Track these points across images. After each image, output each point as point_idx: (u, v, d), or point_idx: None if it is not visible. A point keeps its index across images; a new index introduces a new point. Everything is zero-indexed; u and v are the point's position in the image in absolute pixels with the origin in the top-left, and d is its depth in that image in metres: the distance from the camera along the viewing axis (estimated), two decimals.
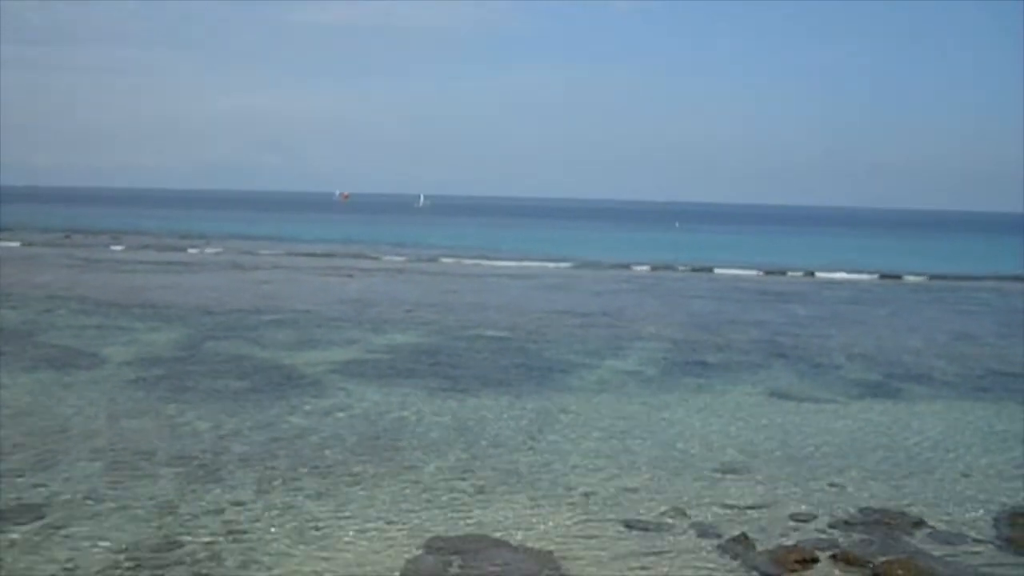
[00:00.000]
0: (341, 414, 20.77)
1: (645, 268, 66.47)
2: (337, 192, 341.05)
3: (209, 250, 73.19)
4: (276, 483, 15.72)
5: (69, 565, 12.15)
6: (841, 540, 13.81)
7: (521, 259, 71.44)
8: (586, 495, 15.62)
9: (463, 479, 16.31)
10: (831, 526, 14.48)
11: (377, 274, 57.81)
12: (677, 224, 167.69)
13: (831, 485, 16.55)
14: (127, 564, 12.23)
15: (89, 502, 14.48)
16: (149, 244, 78.54)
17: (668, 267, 67.84)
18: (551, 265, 67.44)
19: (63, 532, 13.26)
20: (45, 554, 12.46)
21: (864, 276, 63.83)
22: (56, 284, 45.24)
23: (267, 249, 75.74)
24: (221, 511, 14.27)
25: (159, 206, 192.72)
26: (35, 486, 15.12)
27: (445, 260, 70.28)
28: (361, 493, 15.36)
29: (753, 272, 65.31)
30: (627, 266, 67.60)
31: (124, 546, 12.76)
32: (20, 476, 15.62)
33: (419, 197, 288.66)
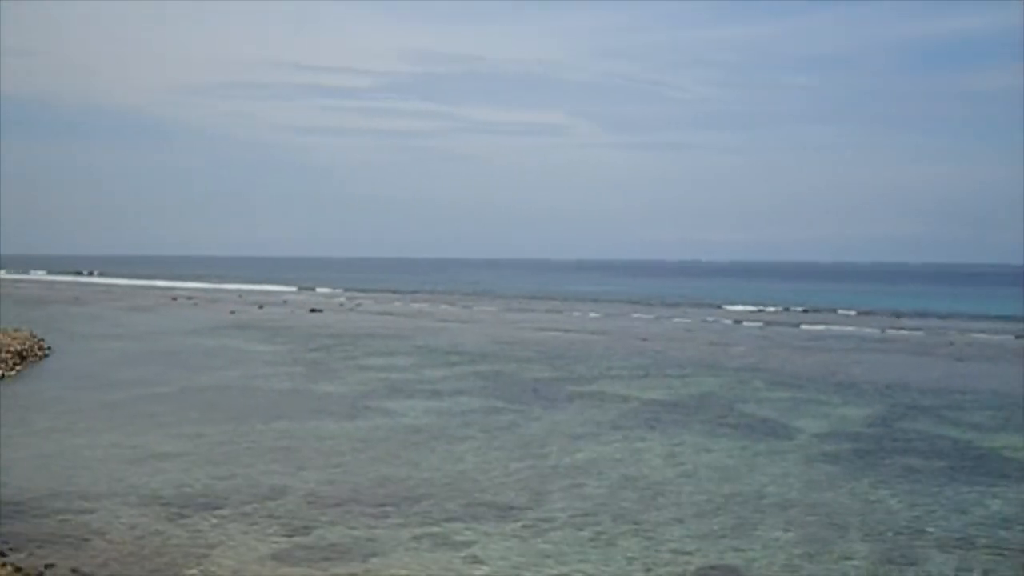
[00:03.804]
0: None
1: None
2: None
3: (904, 327, 71.88)
4: (974, 574, 14.75)
5: None
6: None
7: None
8: None
9: None
10: None
11: None
12: None
13: None
14: None
15: (786, 572, 14.71)
16: (847, 320, 79.16)
17: None
18: None
19: None
20: None
21: None
22: (750, 357, 47.33)
23: (965, 325, 72.44)
24: None
25: (836, 280, 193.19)
26: (735, 549, 15.75)
27: None
28: None
29: None
30: None
31: None
32: (723, 537, 16.40)
33: None
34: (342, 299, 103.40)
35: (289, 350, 47.58)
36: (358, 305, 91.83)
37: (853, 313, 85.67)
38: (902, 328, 69.24)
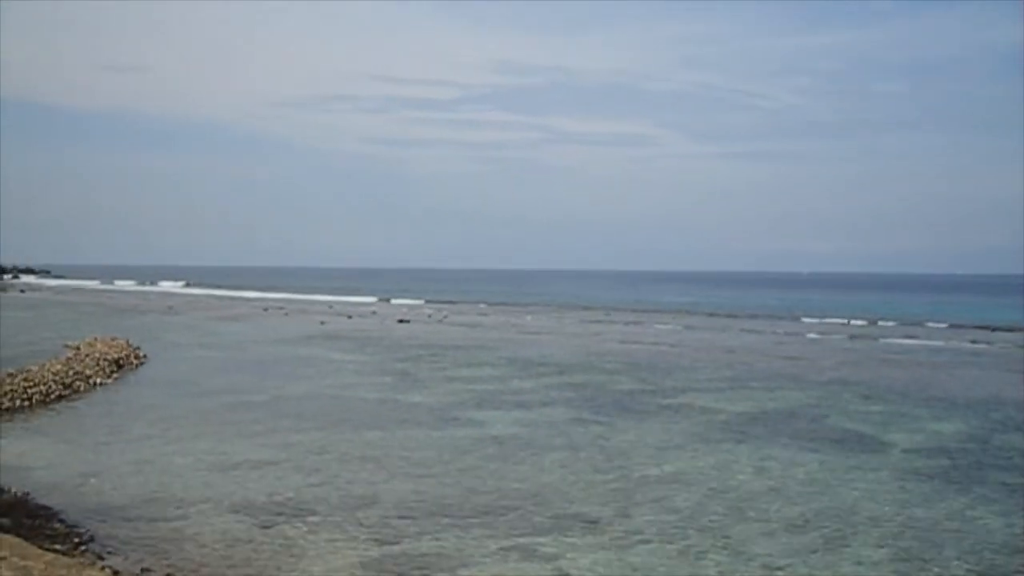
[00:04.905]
0: None
1: None
2: None
3: (999, 341, 70.07)
4: None
5: None
6: None
7: None
8: None
9: None
10: None
11: None
12: None
13: None
14: None
15: None
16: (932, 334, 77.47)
17: None
18: None
19: None
20: None
21: None
22: (838, 370, 46.54)
23: None
24: None
25: (928, 292, 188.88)
26: (826, 566, 15.49)
27: None
28: None
29: None
30: None
31: None
32: (813, 553, 16.15)
33: None
34: (428, 310, 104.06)
35: (378, 360, 48.06)
36: (445, 317, 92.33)
37: (944, 326, 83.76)
38: (996, 342, 67.53)
